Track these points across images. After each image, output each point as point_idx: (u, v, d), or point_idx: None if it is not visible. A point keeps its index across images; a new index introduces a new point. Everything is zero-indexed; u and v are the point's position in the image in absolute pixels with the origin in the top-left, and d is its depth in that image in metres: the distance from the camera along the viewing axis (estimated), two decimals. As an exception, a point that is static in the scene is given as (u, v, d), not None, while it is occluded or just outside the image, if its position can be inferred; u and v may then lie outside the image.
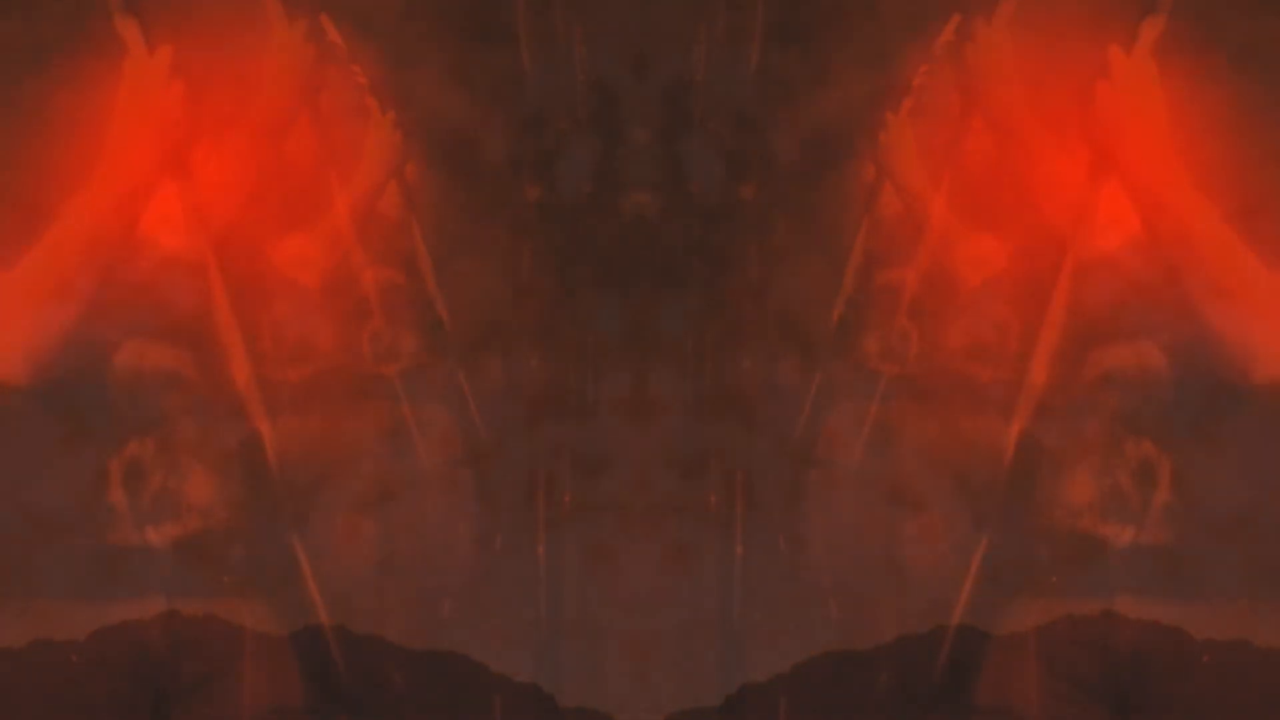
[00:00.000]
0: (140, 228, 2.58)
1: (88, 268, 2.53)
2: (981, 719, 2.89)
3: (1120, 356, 2.62)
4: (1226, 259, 2.50)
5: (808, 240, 3.34)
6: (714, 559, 3.47)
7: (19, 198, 2.58)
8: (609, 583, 3.45)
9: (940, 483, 3.09)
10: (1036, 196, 2.77)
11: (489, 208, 3.39)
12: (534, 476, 3.45)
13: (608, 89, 3.43)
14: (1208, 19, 2.63)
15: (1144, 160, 2.54)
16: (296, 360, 3.03)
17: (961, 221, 3.04)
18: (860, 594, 3.29)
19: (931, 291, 3.10)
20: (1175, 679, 2.59)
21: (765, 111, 3.39)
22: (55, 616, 2.60)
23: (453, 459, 3.30)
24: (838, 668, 3.32)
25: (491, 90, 3.37)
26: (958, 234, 3.04)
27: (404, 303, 3.22)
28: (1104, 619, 2.64)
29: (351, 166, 3.10)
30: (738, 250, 3.45)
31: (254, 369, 2.83)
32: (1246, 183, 2.60)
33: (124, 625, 2.61)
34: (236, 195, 2.78)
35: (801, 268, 3.35)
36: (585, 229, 3.46)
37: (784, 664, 3.38)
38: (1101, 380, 2.64)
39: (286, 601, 2.81)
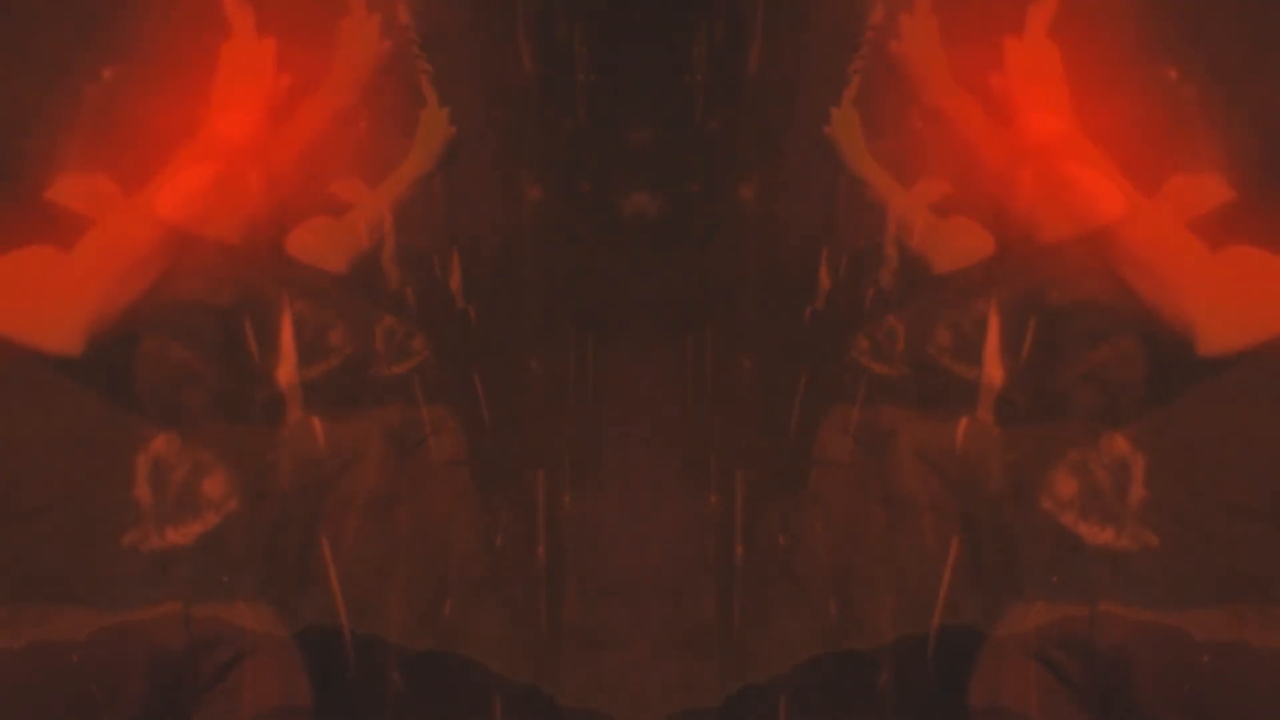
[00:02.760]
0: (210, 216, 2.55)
1: (161, 250, 2.50)
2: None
3: (1100, 356, 2.62)
4: (1153, 236, 2.48)
5: (796, 236, 3.34)
6: (714, 559, 3.48)
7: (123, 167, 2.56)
8: (609, 583, 3.45)
9: (930, 482, 3.09)
10: (991, 187, 2.76)
11: (486, 208, 3.39)
12: (534, 476, 3.45)
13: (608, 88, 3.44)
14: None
15: (1056, 146, 2.53)
16: (314, 357, 3.02)
17: (930, 214, 3.03)
18: (860, 594, 3.30)
19: (912, 288, 3.09)
20: (1165, 678, 2.59)
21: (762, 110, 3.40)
22: (66, 616, 2.60)
23: (454, 459, 3.31)
24: (838, 668, 3.32)
25: (492, 90, 3.37)
26: (929, 226, 3.03)
27: (423, 298, 3.21)
28: (1094, 619, 2.63)
29: (392, 156, 3.08)
30: (737, 249, 3.45)
31: (295, 364, 2.83)
32: (1166, 156, 2.59)
33: (133, 625, 2.60)
34: (284, 186, 2.74)
35: (793, 264, 3.35)
36: (584, 229, 3.47)
37: (784, 664, 3.38)
38: (1081, 378, 2.63)
39: (296, 601, 2.80)
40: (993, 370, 2.74)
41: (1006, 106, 2.59)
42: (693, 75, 3.45)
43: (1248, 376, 2.52)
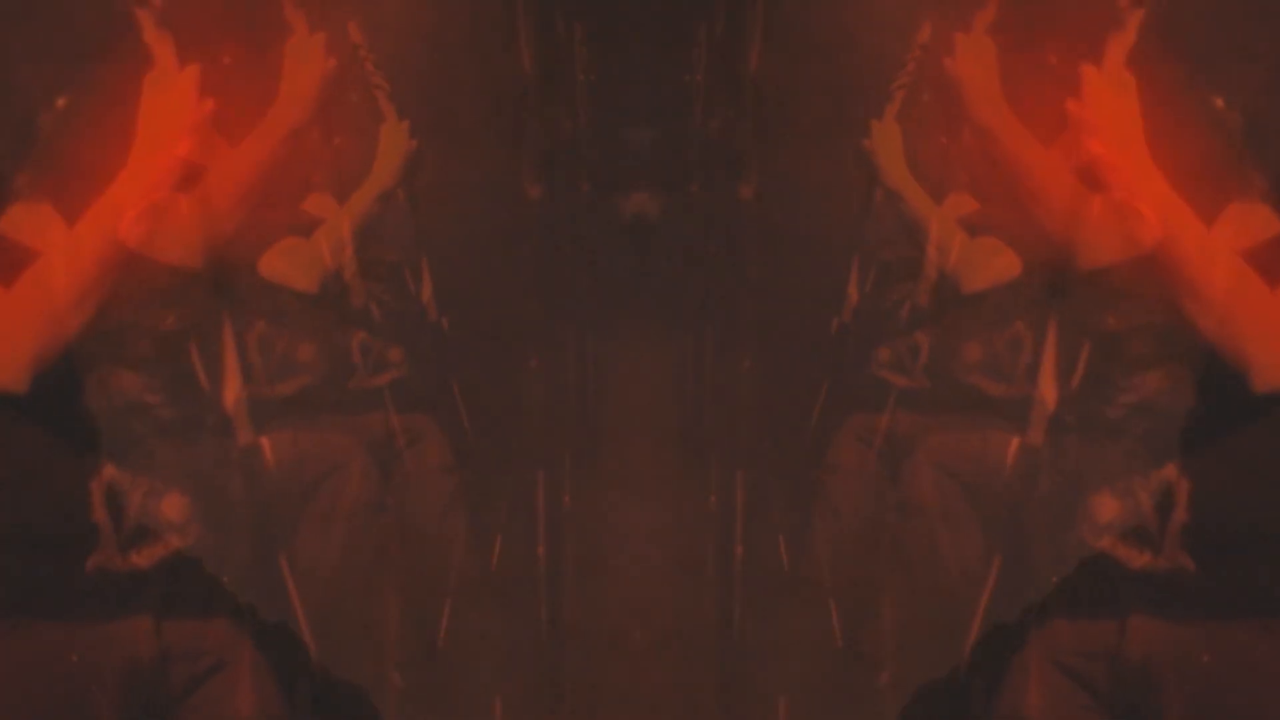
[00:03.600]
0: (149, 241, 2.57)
1: (102, 279, 2.53)
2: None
3: (1153, 383, 2.62)
4: (1215, 271, 2.49)
5: (815, 245, 3.33)
6: (714, 559, 3.48)
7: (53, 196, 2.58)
8: (609, 583, 3.45)
9: (948, 493, 3.09)
10: (1036, 210, 2.75)
11: (487, 208, 3.39)
12: (534, 476, 3.45)
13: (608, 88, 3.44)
14: (1178, 29, 2.62)
15: (1125, 176, 2.54)
16: (284, 375, 3.02)
17: (966, 231, 3.03)
18: (862, 596, 3.30)
19: (941, 303, 3.09)
20: (1194, 692, 2.59)
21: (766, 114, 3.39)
22: (40, 632, 2.60)
23: (442, 466, 3.30)
24: (838, 669, 3.32)
25: (492, 91, 3.37)
26: (963, 244, 3.03)
27: (394, 312, 3.21)
28: (1123, 631, 2.64)
29: (359, 172, 3.09)
30: (739, 252, 3.45)
31: (241, 385, 2.84)
32: (1221, 185, 2.60)
33: (103, 637, 2.61)
34: (238, 209, 2.75)
35: (809, 273, 3.34)
36: (584, 229, 3.47)
37: (784, 664, 3.38)
38: (1132, 404, 2.64)
39: (274, 612, 2.80)
40: (1046, 391, 2.74)
41: (1080, 132, 2.59)
42: (693, 75, 3.45)
43: None
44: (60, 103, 2.70)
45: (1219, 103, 2.63)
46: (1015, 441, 2.87)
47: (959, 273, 3.03)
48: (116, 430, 2.62)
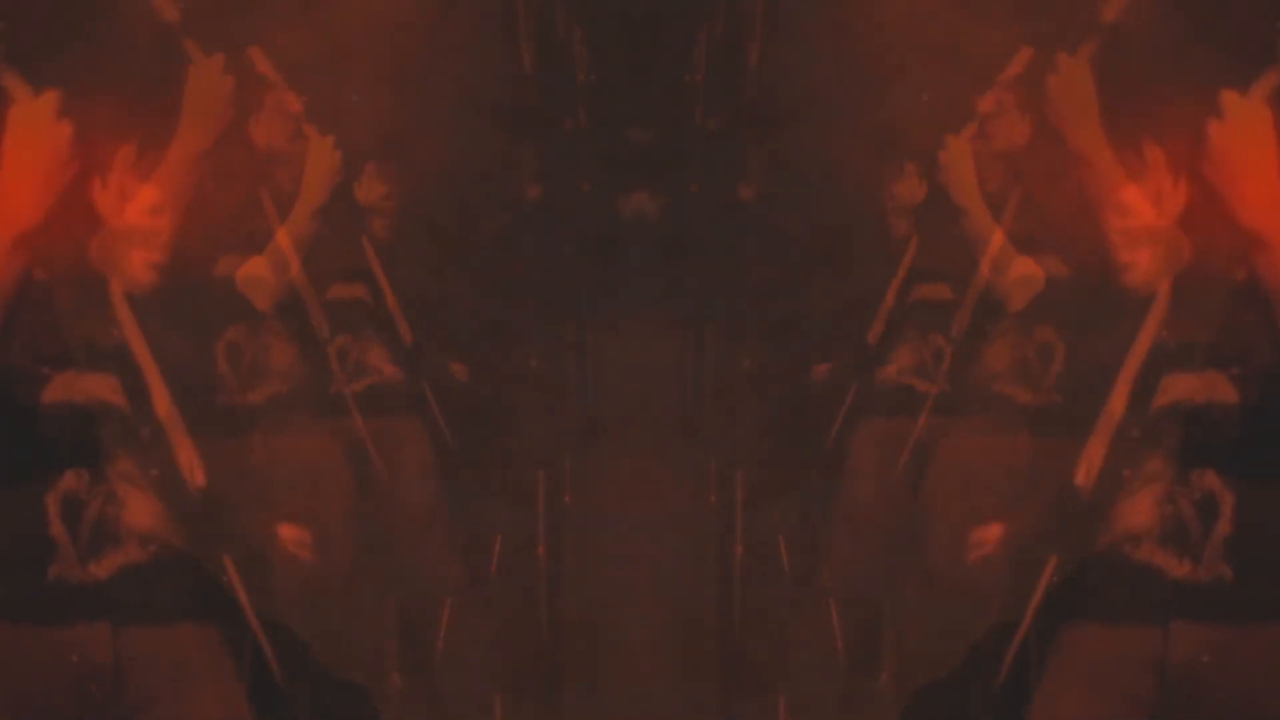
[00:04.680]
0: (45, 267, 2.62)
1: None
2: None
3: (1189, 387, 2.64)
4: None
5: (840, 252, 3.33)
6: (714, 559, 3.48)
7: None
8: (609, 583, 3.46)
9: (974, 498, 3.09)
10: (1107, 226, 2.77)
11: (486, 209, 3.39)
12: (534, 476, 3.46)
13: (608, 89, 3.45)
14: None
15: (1253, 201, 2.58)
16: (255, 383, 3.03)
17: (1017, 245, 3.05)
18: (862, 596, 3.30)
19: (975, 311, 3.10)
20: (1238, 694, 2.61)
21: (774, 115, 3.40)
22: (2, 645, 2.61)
23: (424, 470, 3.31)
24: (838, 669, 3.33)
25: (492, 90, 3.37)
26: (1010, 257, 3.05)
27: (368, 319, 3.22)
28: (1166, 637, 2.65)
29: (291, 190, 3.11)
30: (739, 252, 3.46)
31: (208, 396, 2.86)
32: None
33: (61, 640, 2.61)
34: (163, 226, 2.79)
35: (834, 279, 3.34)
36: (584, 229, 3.47)
37: (784, 664, 3.39)
38: (1168, 410, 2.65)
39: (242, 621, 2.80)
40: (1116, 404, 2.75)
41: (1216, 156, 2.63)
42: (693, 75, 3.45)
43: None
44: None
45: None
46: (1038, 447, 2.89)
47: (1007, 290, 3.05)
48: (74, 442, 2.63)
